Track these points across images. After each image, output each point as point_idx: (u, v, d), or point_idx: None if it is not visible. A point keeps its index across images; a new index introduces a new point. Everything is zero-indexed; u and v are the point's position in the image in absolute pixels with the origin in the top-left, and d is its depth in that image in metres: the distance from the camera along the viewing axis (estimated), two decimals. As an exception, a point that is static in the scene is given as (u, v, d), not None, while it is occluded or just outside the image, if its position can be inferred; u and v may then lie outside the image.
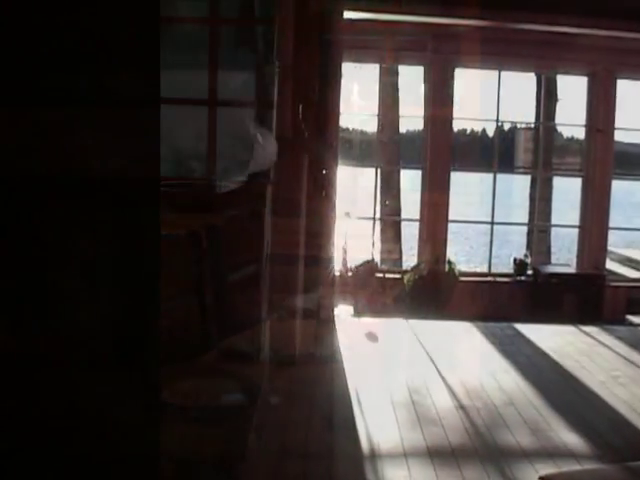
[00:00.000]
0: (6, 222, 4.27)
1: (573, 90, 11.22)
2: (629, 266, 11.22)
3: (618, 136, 9.37)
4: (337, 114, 7.70)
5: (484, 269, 9.80)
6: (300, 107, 6.39)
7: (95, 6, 3.25)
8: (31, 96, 3.36)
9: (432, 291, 8.30)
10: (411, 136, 13.38)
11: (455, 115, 9.23)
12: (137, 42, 3.53)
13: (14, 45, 3.47)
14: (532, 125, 12.03)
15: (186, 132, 5.05)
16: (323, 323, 7.29)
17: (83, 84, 3.42)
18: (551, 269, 9.40)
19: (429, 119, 9.16)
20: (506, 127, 13.08)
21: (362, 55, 9.07)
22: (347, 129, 10.89)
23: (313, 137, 6.69)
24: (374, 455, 4.31)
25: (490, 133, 19.71)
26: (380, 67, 9.73)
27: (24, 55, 3.46)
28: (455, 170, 9.34)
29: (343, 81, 7.82)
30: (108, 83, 3.51)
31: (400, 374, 5.75)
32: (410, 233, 10.97)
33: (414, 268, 8.69)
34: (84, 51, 3.50)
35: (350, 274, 8.35)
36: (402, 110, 10.98)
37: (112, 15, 3.07)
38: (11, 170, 3.21)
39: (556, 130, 14.36)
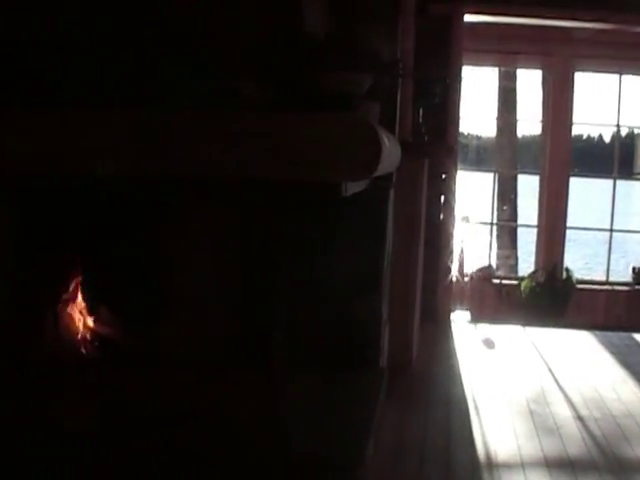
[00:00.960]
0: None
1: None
2: None
3: None
4: (457, 118, 7.67)
5: (602, 277, 9.62)
6: (420, 110, 6.38)
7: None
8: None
9: (549, 299, 8.19)
10: (527, 141, 13.23)
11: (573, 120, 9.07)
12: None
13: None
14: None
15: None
16: (440, 328, 7.26)
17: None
18: (671, 278, 9.17)
19: (547, 123, 9.04)
20: (623, 132, 12.81)
21: (481, 58, 9.00)
22: (462, 133, 10.83)
23: (433, 141, 6.67)
24: (491, 463, 4.25)
25: (607, 138, 19.39)
26: (499, 70, 9.67)
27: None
28: (574, 175, 9.19)
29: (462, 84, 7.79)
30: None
31: (517, 382, 5.68)
32: (526, 239, 10.87)
33: (531, 275, 8.59)
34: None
35: (467, 279, 8.29)
36: (519, 114, 10.89)
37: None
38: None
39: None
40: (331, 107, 3.36)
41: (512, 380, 5.75)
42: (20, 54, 3.58)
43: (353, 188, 3.39)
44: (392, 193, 4.71)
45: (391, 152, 3.64)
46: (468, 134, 11.53)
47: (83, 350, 4.52)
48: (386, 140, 3.31)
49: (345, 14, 4.34)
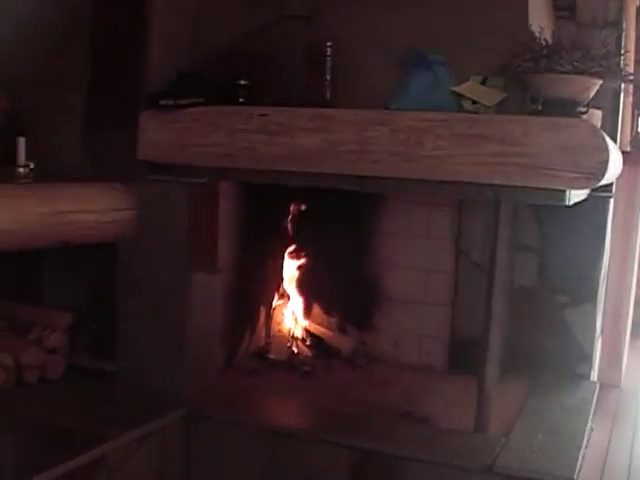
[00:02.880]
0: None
1: None
2: None
3: None
4: (676, 128, 7.40)
5: None
6: (639, 118, 6.17)
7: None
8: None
9: None
10: None
11: None
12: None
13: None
14: None
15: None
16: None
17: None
18: None
19: None
20: None
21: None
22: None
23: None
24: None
25: None
26: None
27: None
28: None
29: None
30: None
31: None
32: None
33: None
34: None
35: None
36: None
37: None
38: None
39: None
40: (557, 112, 3.30)
41: None
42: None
43: (576, 196, 3.32)
44: (612, 203, 4.59)
45: (616, 161, 3.54)
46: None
47: (294, 348, 4.59)
48: (612, 148, 3.23)
49: (572, 18, 4.29)
